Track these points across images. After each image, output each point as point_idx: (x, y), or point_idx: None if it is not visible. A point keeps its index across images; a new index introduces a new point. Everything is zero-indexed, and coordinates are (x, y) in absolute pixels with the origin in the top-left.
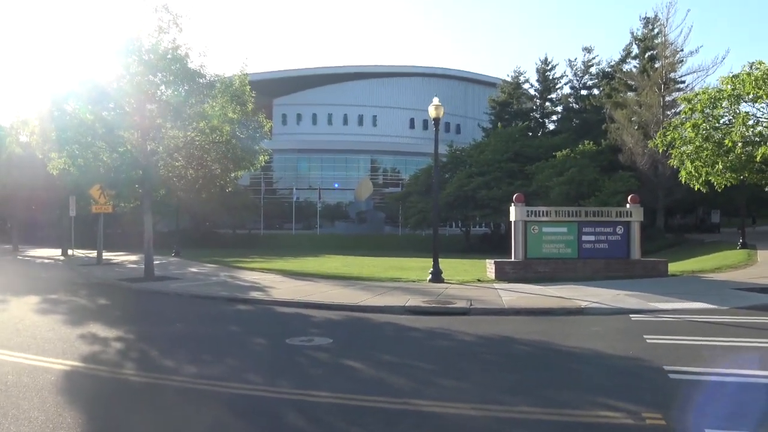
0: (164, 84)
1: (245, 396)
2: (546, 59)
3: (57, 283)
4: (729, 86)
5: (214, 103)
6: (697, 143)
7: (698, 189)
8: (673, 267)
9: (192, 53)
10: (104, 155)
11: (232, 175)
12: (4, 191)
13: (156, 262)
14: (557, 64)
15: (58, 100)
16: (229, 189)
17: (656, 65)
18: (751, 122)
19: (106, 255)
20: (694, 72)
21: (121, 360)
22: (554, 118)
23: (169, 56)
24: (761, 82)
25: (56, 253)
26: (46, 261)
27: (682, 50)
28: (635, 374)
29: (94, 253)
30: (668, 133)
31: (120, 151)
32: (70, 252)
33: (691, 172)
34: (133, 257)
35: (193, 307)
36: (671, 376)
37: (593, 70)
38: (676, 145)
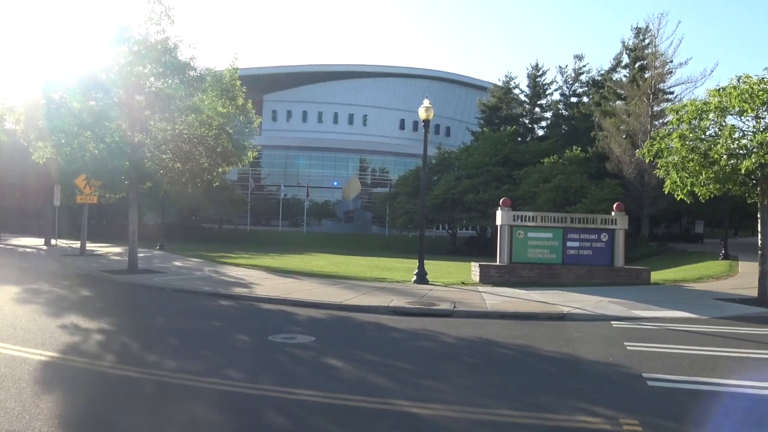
0: (153, 75)
1: (225, 392)
2: (537, 65)
3: (39, 273)
4: (716, 99)
5: (203, 97)
6: (683, 154)
7: (682, 199)
8: (656, 275)
9: (182, 45)
10: (91, 145)
11: (220, 169)
12: None
13: (140, 255)
14: (548, 70)
15: (45, 88)
16: (217, 183)
17: (646, 75)
18: (736, 135)
19: (89, 246)
20: (682, 83)
21: (101, 352)
22: (543, 124)
23: (159, 47)
24: (747, 96)
25: (39, 242)
26: (29, 250)
27: (671, 61)
28: (614, 380)
29: (77, 244)
30: (655, 143)
31: (107, 142)
32: (53, 242)
33: (676, 182)
34: (117, 249)
35: (176, 301)
36: (650, 383)
37: (583, 77)
38: (663, 155)
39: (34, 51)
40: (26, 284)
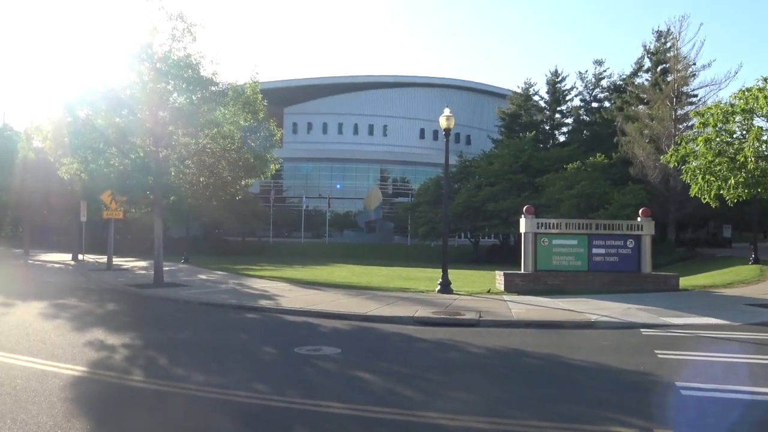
0: (177, 91)
1: (254, 405)
2: (556, 71)
3: (67, 288)
4: (741, 101)
5: (225, 111)
6: (709, 158)
7: (708, 203)
8: (685, 281)
9: (204, 61)
10: (116, 161)
11: (243, 182)
12: (17, 195)
13: (165, 269)
14: (567, 76)
15: (71, 106)
16: (240, 197)
17: (668, 79)
18: (765, 137)
19: (116, 260)
20: (706, 86)
21: (130, 366)
22: (564, 130)
23: (182, 64)
24: None
25: (67, 257)
26: (57, 266)
27: (694, 64)
28: (647, 390)
29: (104, 259)
30: (680, 148)
31: (132, 158)
32: (80, 257)
33: (702, 186)
34: (143, 263)
35: (202, 314)
36: (683, 392)
37: (604, 82)
38: (689, 160)
39: (60, 70)
40: (55, 299)
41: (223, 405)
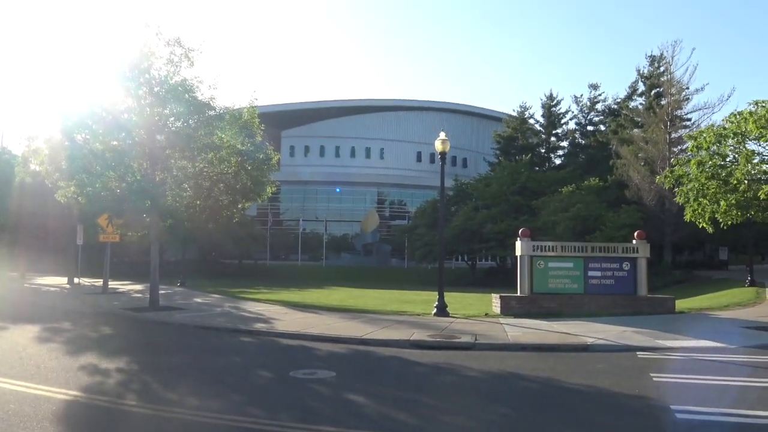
0: (174, 115)
1: (248, 429)
2: (551, 95)
3: (61, 311)
4: (733, 125)
5: (222, 135)
6: (702, 180)
7: (703, 227)
8: (681, 304)
9: (202, 86)
10: (113, 184)
11: (240, 206)
12: (14, 218)
13: (161, 292)
14: (562, 99)
15: (68, 130)
16: (236, 219)
17: (662, 102)
18: (756, 160)
19: (112, 284)
20: (700, 109)
21: (124, 391)
22: (560, 153)
23: (179, 88)
24: (764, 121)
25: (62, 281)
26: (52, 289)
27: (687, 88)
28: (642, 413)
29: (100, 282)
30: (675, 169)
31: (129, 181)
32: (76, 280)
33: (696, 210)
34: (139, 286)
35: (197, 338)
36: (679, 415)
37: (599, 106)
38: (683, 182)
39: (58, 94)
40: (49, 323)
41: (217, 429)
